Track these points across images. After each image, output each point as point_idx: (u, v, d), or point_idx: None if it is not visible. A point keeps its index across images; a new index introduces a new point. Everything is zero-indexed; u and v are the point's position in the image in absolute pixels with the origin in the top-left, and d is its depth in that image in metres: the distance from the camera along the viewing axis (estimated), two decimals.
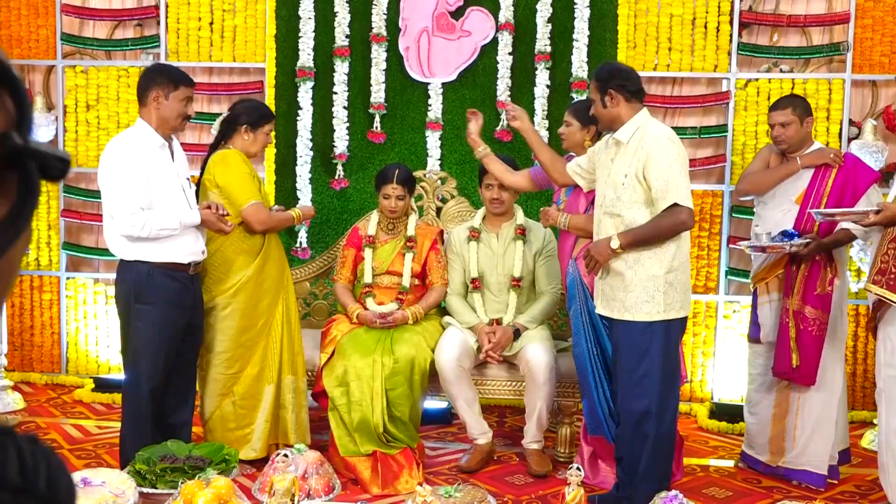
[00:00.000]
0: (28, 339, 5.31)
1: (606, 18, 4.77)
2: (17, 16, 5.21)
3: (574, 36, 4.75)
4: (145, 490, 3.02)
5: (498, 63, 4.81)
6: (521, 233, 4.10)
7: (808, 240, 3.69)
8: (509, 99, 4.74)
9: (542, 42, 4.77)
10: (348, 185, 4.92)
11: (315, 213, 4.51)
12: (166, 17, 5.05)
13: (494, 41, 4.81)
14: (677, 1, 4.78)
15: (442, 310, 4.21)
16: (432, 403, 4.58)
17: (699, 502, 3.53)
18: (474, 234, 4.13)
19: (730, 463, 4.13)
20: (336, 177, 4.92)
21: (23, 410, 4.74)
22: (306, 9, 4.87)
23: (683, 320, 3.34)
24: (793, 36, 4.86)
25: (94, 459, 3.96)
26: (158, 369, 3.48)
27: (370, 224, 4.18)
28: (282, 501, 2.87)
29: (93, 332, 5.29)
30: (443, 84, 4.86)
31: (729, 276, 4.87)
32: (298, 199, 4.90)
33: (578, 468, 2.99)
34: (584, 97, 4.46)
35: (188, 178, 3.62)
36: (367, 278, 4.11)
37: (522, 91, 4.82)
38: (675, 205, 3.13)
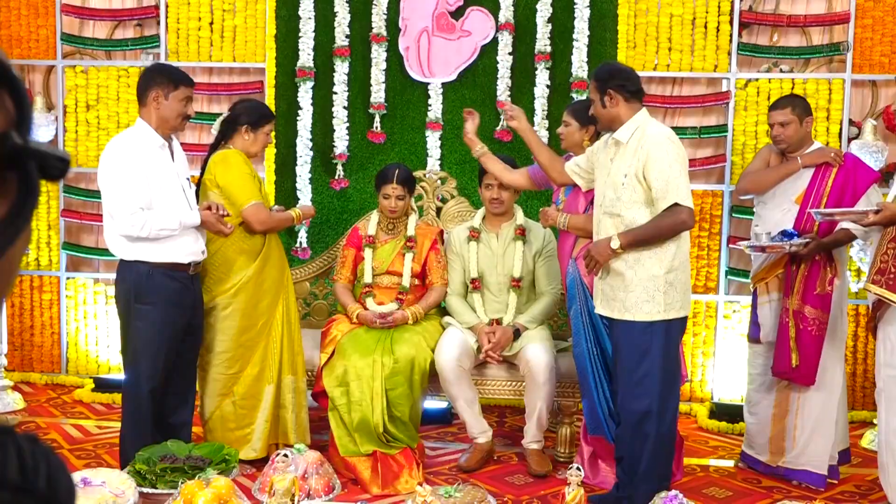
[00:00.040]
0: (28, 339, 5.31)
1: (606, 18, 4.77)
2: (17, 16, 5.21)
3: (574, 36, 4.75)
4: (145, 490, 3.02)
5: (498, 63, 4.81)
6: (521, 233, 4.10)
7: (807, 240, 3.69)
8: (509, 99, 4.74)
9: (542, 42, 4.77)
10: (348, 185, 4.92)
11: (315, 213, 4.51)
12: (166, 17, 5.05)
13: (494, 41, 4.81)
14: (677, 1, 4.78)
15: (442, 310, 4.21)
16: (432, 403, 4.57)
17: (699, 502, 3.53)
18: (474, 235, 4.13)
19: (730, 463, 4.13)
20: (336, 177, 4.92)
21: (23, 410, 4.74)
22: (306, 9, 4.87)
23: (684, 320, 3.34)
24: (793, 36, 4.86)
25: (94, 459, 3.96)
26: (158, 369, 3.48)
27: (370, 224, 4.18)
28: (282, 501, 2.87)
29: (93, 332, 5.29)
30: (443, 84, 4.86)
31: (729, 276, 4.87)
32: (298, 199, 4.90)
33: (578, 468, 2.99)
34: (584, 97, 4.47)
35: (188, 179, 3.62)
36: (367, 278, 4.11)
37: (522, 91, 4.82)
38: (676, 204, 3.13)
